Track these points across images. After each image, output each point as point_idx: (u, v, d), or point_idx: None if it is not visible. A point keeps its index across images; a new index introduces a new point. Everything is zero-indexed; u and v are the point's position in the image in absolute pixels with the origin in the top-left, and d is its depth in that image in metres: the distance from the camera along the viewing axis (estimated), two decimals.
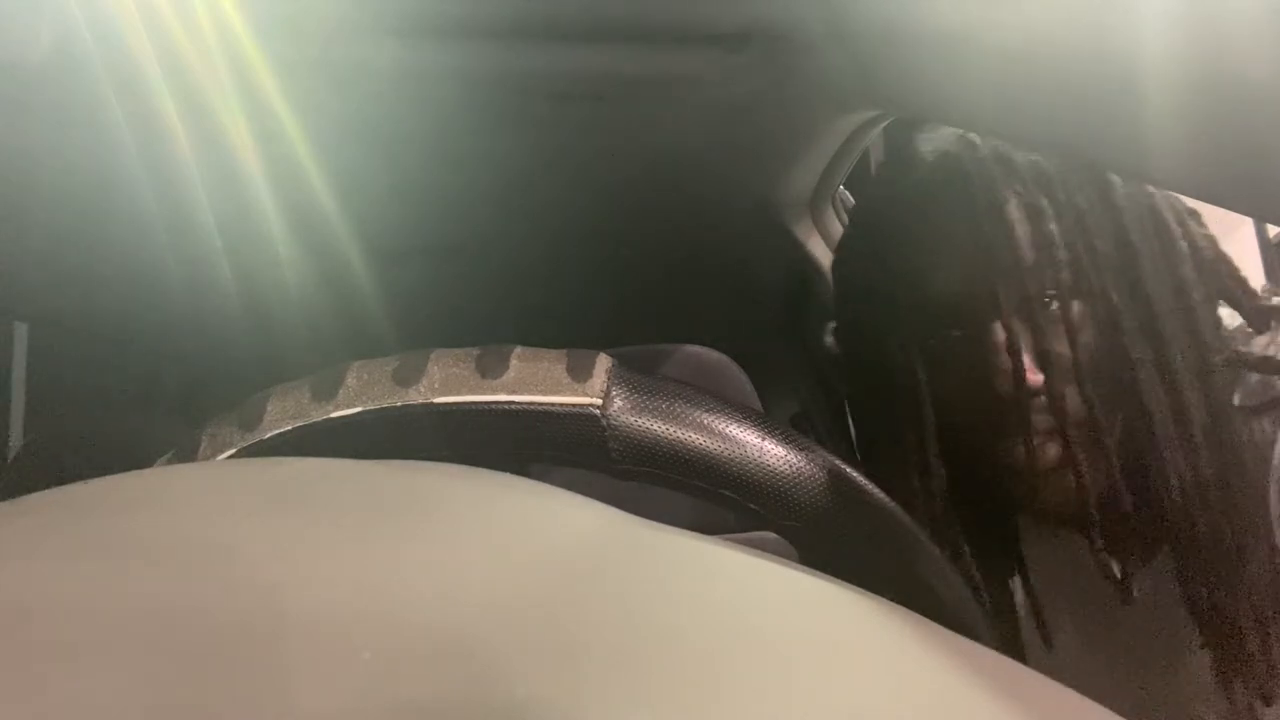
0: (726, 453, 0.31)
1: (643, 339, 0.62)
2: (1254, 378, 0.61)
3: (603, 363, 0.32)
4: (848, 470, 0.33)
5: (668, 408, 0.31)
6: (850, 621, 0.20)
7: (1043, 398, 0.60)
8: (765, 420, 0.32)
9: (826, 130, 0.75)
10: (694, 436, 0.31)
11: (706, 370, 0.62)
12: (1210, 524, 0.59)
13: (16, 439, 1.01)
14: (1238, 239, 1.36)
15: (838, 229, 0.98)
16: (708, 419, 0.31)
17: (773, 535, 0.33)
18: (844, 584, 0.22)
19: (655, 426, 0.31)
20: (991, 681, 0.19)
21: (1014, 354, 0.60)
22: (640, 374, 0.32)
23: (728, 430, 0.31)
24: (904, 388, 0.66)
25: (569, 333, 0.44)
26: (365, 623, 0.16)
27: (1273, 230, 1.38)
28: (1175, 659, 0.62)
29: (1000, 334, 0.61)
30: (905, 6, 0.50)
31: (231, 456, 0.31)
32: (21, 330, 1.02)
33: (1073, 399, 0.60)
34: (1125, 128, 0.41)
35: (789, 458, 0.32)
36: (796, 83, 0.63)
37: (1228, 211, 0.41)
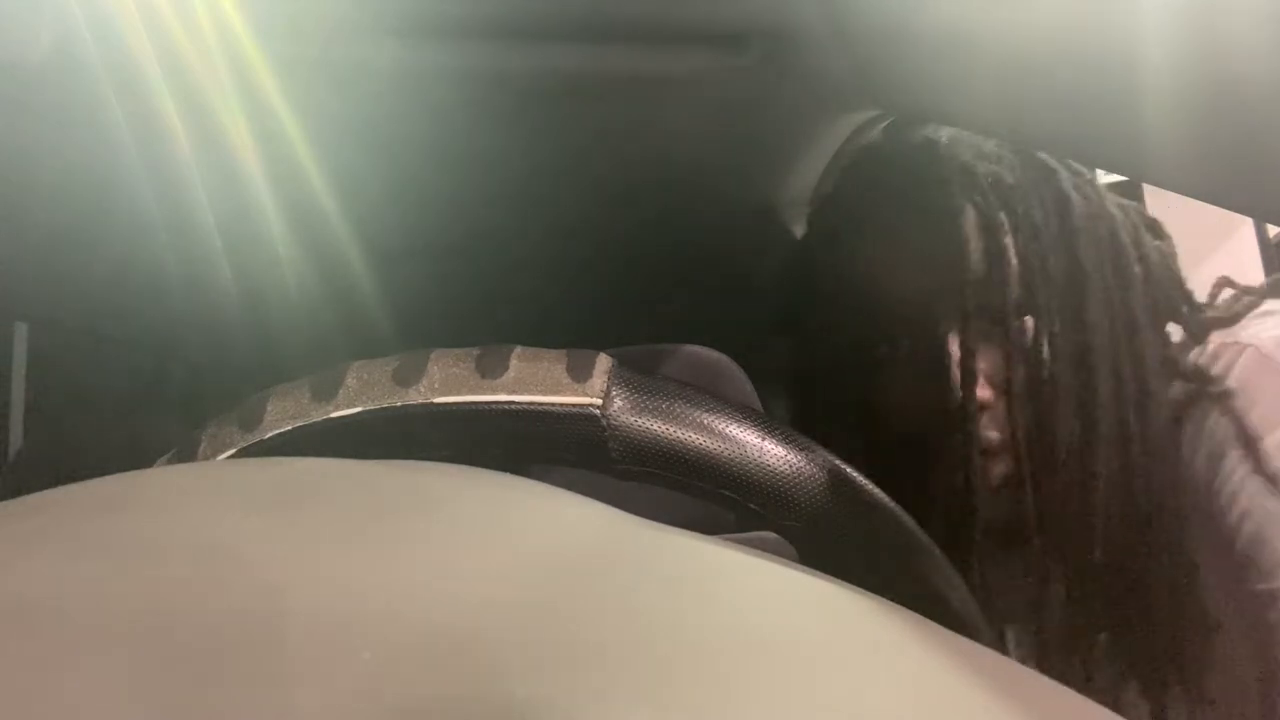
0: (726, 453, 0.31)
1: (643, 339, 0.62)
2: (1180, 384, 0.61)
3: (603, 363, 0.32)
4: (848, 470, 0.33)
5: (668, 408, 0.31)
6: (850, 621, 0.20)
7: (986, 414, 0.59)
8: (765, 420, 0.32)
9: (826, 130, 0.75)
10: (694, 436, 0.31)
11: (706, 370, 0.62)
12: (1140, 549, 0.59)
13: (16, 439, 1.00)
14: (1238, 239, 1.37)
15: None
16: (708, 419, 0.31)
17: (773, 535, 0.33)
18: (844, 584, 0.22)
19: (655, 426, 0.31)
20: (991, 681, 0.19)
21: (958, 367, 0.60)
22: (640, 374, 0.32)
23: (728, 430, 0.31)
24: (853, 395, 0.66)
25: (569, 333, 0.44)
26: (365, 623, 0.16)
27: (1273, 230, 1.38)
28: (1118, 675, 0.62)
29: (946, 346, 0.60)
30: (906, 6, 0.50)
31: (231, 456, 0.31)
32: (21, 330, 1.02)
33: (1015, 417, 0.59)
34: (1125, 128, 0.41)
35: (789, 458, 0.32)
36: (796, 83, 0.63)
37: (1228, 212, 0.41)
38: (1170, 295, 0.63)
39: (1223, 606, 0.58)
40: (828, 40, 0.58)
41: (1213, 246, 1.33)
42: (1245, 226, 1.37)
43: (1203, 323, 0.63)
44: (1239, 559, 0.56)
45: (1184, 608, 0.59)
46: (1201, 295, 0.66)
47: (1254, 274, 1.37)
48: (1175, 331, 0.64)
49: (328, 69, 0.56)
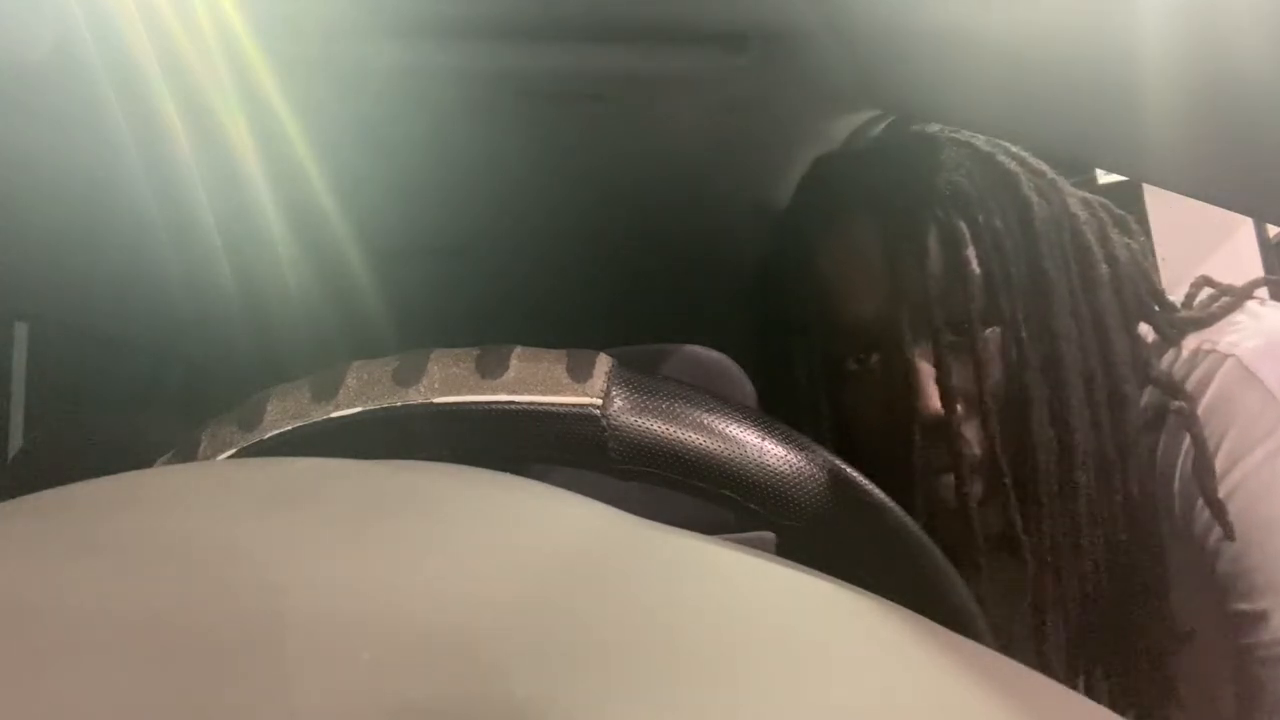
0: (726, 453, 0.31)
1: (643, 339, 0.62)
2: (1153, 391, 0.60)
3: (603, 363, 0.32)
4: (848, 470, 0.33)
5: (668, 408, 0.31)
6: (850, 621, 0.20)
7: (959, 426, 0.58)
8: (765, 420, 0.32)
9: (826, 130, 0.75)
10: (694, 436, 0.31)
11: (706, 370, 0.62)
12: (1116, 555, 0.58)
13: (16, 439, 1.00)
14: (1238, 239, 1.37)
15: None
16: (708, 419, 0.31)
17: (772, 535, 0.33)
18: (844, 584, 0.22)
19: (655, 426, 0.31)
20: (992, 681, 0.19)
21: (927, 381, 0.59)
22: (640, 374, 0.32)
23: (728, 430, 0.31)
24: (826, 406, 0.65)
25: (569, 333, 0.45)
26: (365, 623, 0.16)
27: (1273, 230, 1.38)
28: (1092, 682, 0.61)
29: (914, 360, 0.59)
30: (905, 6, 0.50)
31: (231, 456, 0.31)
32: (21, 330, 1.02)
33: (988, 428, 0.58)
34: (1125, 128, 0.41)
35: (789, 458, 0.32)
36: (796, 82, 0.63)
37: (1228, 212, 0.41)
38: (1140, 295, 0.62)
39: (1201, 620, 0.58)
40: (827, 40, 0.58)
41: (1213, 246, 1.33)
42: (1245, 226, 1.37)
43: (1175, 324, 0.62)
44: (1220, 578, 0.55)
45: (1158, 616, 0.59)
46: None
47: (1254, 274, 1.37)
48: (1150, 332, 0.63)
49: (328, 69, 0.56)
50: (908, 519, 0.34)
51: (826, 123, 0.74)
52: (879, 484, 0.33)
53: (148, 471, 0.26)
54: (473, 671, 0.15)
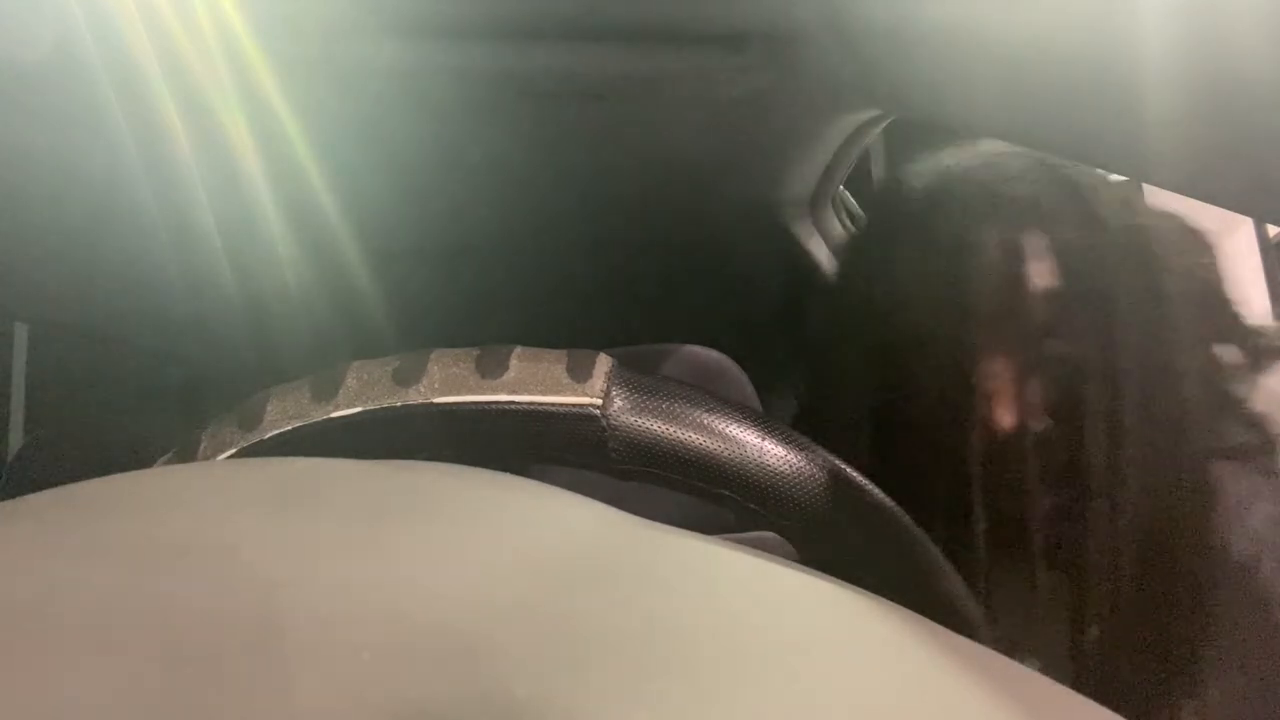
0: (726, 453, 0.31)
1: (643, 339, 0.62)
2: (1237, 426, 0.60)
3: (603, 363, 0.32)
4: (848, 470, 0.33)
5: (668, 408, 0.31)
6: (850, 621, 0.20)
7: (1018, 442, 0.58)
8: (765, 420, 0.32)
9: (826, 130, 0.75)
10: (694, 436, 0.31)
11: (706, 370, 0.62)
12: (1179, 577, 0.57)
13: (16, 439, 1.01)
14: (1237, 239, 1.37)
15: (838, 229, 0.98)
16: (708, 419, 0.31)
17: (773, 535, 0.33)
18: (844, 584, 0.22)
19: (655, 426, 0.31)
20: (992, 681, 0.19)
21: (988, 398, 0.58)
22: (640, 374, 0.32)
23: (728, 430, 0.31)
24: (873, 424, 0.64)
25: (569, 333, 0.45)
26: (365, 623, 0.16)
27: (1273, 230, 1.38)
28: (1143, 707, 0.61)
29: (976, 376, 0.58)
30: (906, 6, 0.50)
31: (231, 456, 0.31)
32: (21, 330, 1.02)
33: (1048, 446, 0.57)
34: (1125, 128, 0.41)
35: (789, 458, 0.32)
36: (797, 82, 0.63)
37: (1228, 212, 0.41)
38: (1214, 314, 0.61)
39: (1263, 669, 0.57)
40: (828, 40, 0.58)
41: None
42: (1245, 226, 1.37)
43: (1259, 348, 0.61)
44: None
45: (1191, 655, 0.58)
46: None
47: (1254, 275, 1.37)
48: (1225, 353, 0.62)
49: (328, 68, 0.56)
50: (907, 519, 0.34)
51: (827, 123, 0.74)
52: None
53: (148, 471, 0.26)
54: (472, 671, 0.15)
